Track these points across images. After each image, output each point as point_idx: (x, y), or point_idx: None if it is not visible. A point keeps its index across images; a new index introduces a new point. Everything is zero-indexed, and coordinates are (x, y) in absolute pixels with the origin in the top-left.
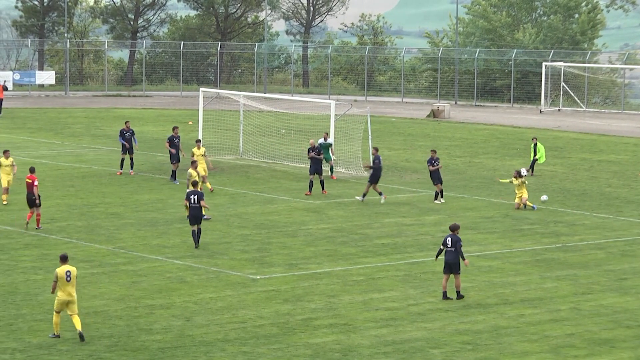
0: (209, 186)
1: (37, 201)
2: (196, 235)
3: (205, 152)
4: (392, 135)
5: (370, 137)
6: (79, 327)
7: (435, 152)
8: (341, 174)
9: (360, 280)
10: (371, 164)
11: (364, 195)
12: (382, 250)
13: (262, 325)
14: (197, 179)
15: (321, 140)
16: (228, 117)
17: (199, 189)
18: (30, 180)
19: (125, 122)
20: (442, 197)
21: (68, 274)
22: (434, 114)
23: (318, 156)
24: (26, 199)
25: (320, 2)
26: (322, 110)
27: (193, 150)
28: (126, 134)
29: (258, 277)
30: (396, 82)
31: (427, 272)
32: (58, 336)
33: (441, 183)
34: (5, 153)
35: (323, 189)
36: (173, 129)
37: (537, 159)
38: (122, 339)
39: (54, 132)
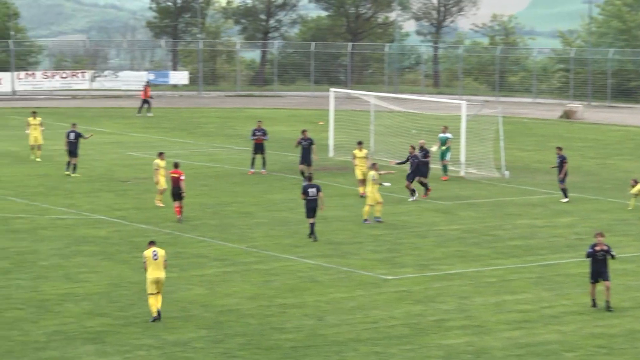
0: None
1: (183, 194)
2: (313, 228)
3: (367, 153)
4: (523, 136)
5: (501, 138)
6: (159, 305)
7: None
8: (472, 175)
9: (492, 281)
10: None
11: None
12: (515, 252)
13: (394, 325)
14: None
15: (441, 135)
16: (358, 117)
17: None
18: (176, 175)
19: (258, 122)
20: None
21: (154, 253)
22: (567, 114)
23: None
24: (172, 193)
25: (451, 2)
26: (453, 111)
27: (354, 152)
28: (257, 133)
29: (389, 278)
30: (528, 82)
31: (560, 275)
32: (156, 318)
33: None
34: (161, 155)
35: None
36: (302, 132)
37: None
38: (255, 338)
39: (187, 131)
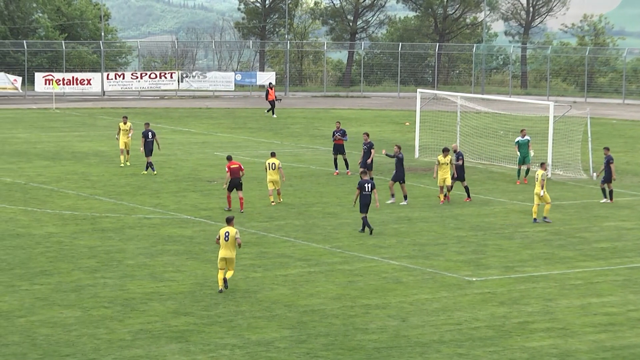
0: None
1: (241, 184)
2: (367, 222)
3: (451, 160)
4: (612, 137)
5: (590, 139)
6: (228, 276)
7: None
8: (559, 176)
9: (578, 284)
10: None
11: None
12: (601, 254)
13: (478, 327)
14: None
15: (519, 138)
16: (445, 118)
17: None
18: (236, 166)
19: (337, 123)
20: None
21: (226, 234)
22: None
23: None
24: (231, 184)
25: (540, 2)
26: (541, 112)
27: (438, 157)
28: (337, 134)
29: (474, 279)
30: (617, 83)
31: None
32: (221, 291)
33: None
34: (273, 156)
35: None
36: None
37: None
38: (339, 338)
39: (273, 132)
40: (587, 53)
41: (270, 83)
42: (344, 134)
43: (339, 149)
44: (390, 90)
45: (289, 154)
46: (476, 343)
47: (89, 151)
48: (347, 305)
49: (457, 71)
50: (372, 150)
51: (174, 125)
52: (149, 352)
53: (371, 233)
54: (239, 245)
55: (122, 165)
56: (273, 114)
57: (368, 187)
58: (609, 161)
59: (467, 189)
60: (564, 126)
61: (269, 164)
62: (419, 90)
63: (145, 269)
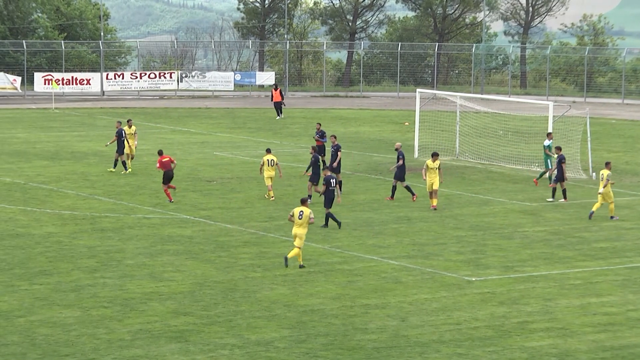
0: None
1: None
2: (333, 216)
3: (440, 165)
4: (611, 137)
5: (589, 139)
6: (290, 255)
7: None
8: None
9: (577, 284)
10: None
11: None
12: (601, 254)
13: (477, 327)
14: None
15: (547, 142)
16: (444, 118)
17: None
18: (167, 159)
19: (317, 124)
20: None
21: (300, 213)
22: None
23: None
24: (165, 177)
25: (540, 2)
26: (540, 112)
27: (427, 162)
28: (316, 136)
29: (473, 279)
30: (616, 83)
31: None
32: (302, 266)
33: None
34: (269, 152)
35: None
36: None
37: None
38: (338, 338)
39: (272, 132)
40: (586, 53)
41: (275, 84)
42: (322, 135)
43: (319, 151)
44: (390, 90)
45: (288, 154)
46: (475, 343)
47: (88, 151)
48: (347, 305)
49: (457, 71)
50: (338, 153)
51: (173, 125)
52: (148, 352)
53: (339, 226)
54: (312, 223)
55: (128, 171)
56: (278, 115)
57: (333, 182)
58: (561, 160)
59: (408, 188)
60: (563, 126)
61: (267, 160)
62: (418, 90)
63: (145, 268)
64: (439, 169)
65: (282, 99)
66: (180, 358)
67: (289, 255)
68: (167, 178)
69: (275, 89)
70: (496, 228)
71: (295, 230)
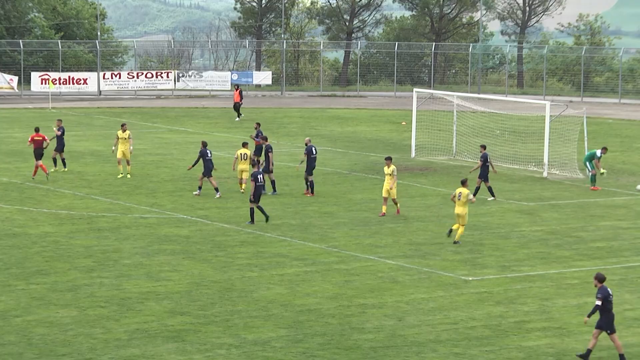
0: None
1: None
2: (261, 209)
3: (394, 171)
4: (608, 136)
5: (586, 138)
6: (457, 237)
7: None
8: (555, 176)
9: (574, 283)
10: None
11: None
12: (597, 254)
13: (474, 327)
14: None
15: (598, 152)
16: (441, 117)
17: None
18: (40, 138)
19: (255, 124)
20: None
21: (459, 193)
22: None
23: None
24: (36, 154)
25: (537, 2)
26: (537, 111)
27: (384, 168)
28: (252, 134)
29: (470, 279)
30: (613, 82)
31: None
32: (450, 231)
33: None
34: (245, 146)
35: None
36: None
37: None
38: (335, 337)
39: (269, 131)
40: (583, 52)
41: (236, 85)
42: (257, 135)
43: (258, 151)
44: (387, 89)
45: (285, 154)
46: (472, 342)
47: (85, 151)
48: (344, 305)
49: (454, 71)
50: (269, 154)
51: (170, 125)
52: (145, 351)
53: (267, 220)
54: (473, 202)
55: (120, 176)
56: (238, 117)
57: (260, 178)
58: (486, 159)
59: (311, 184)
60: (560, 126)
61: (240, 154)
62: (415, 89)
63: (142, 268)
64: (392, 174)
65: (241, 99)
66: (177, 358)
67: (456, 237)
68: (38, 154)
69: (236, 89)
70: (493, 228)
71: (457, 209)
